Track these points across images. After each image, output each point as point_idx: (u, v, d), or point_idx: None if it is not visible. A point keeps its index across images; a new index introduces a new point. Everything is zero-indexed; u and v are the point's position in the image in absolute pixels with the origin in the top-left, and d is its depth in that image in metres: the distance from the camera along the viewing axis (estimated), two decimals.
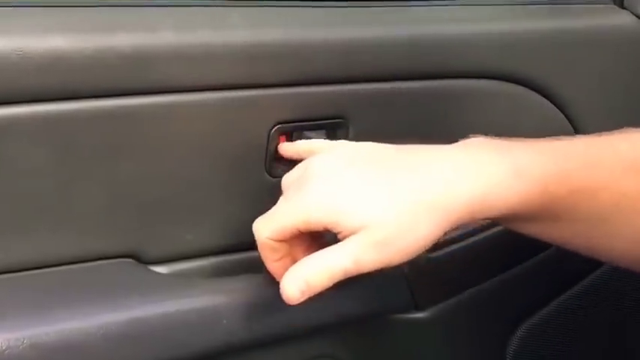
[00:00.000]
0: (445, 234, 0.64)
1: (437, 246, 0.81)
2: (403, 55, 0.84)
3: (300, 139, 0.80)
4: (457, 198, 0.64)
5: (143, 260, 0.77)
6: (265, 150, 0.79)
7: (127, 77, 0.71)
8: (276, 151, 0.79)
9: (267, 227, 0.67)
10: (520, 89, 0.92)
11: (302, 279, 0.63)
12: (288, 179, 0.71)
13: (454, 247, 0.83)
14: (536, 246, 0.89)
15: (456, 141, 0.69)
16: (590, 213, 0.66)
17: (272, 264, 0.68)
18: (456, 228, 0.65)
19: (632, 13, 0.98)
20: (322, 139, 0.80)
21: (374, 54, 0.83)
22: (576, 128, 0.95)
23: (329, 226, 0.64)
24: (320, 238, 0.68)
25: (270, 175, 0.80)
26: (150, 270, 0.77)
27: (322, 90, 0.80)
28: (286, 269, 0.64)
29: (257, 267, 0.81)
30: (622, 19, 0.98)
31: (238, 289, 0.76)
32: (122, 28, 0.71)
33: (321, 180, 0.66)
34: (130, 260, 0.77)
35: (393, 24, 0.86)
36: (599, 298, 0.95)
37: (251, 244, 0.81)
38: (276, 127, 0.78)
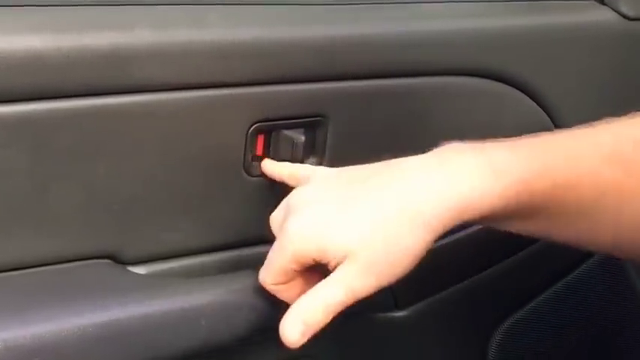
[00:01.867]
0: (434, 243, 0.64)
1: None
2: (383, 53, 0.84)
3: (279, 138, 0.80)
4: (438, 205, 0.63)
5: (121, 261, 0.77)
6: (244, 149, 0.78)
7: (103, 76, 0.70)
8: (254, 150, 0.79)
9: (268, 275, 0.67)
10: (500, 86, 0.92)
11: (300, 321, 0.63)
12: (274, 220, 0.70)
13: (435, 245, 0.83)
14: (516, 244, 0.89)
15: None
16: (573, 206, 0.66)
17: (291, 298, 0.67)
18: (442, 236, 0.65)
19: (613, 9, 0.98)
20: (304, 165, 0.79)
21: (353, 52, 0.82)
22: (557, 125, 0.95)
23: (317, 258, 0.63)
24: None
25: (249, 175, 0.80)
26: (128, 271, 0.77)
27: (301, 88, 0.80)
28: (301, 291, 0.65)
29: (236, 266, 0.81)
30: (602, 15, 0.98)
31: (217, 289, 0.75)
32: (98, 26, 0.71)
33: (301, 213, 0.65)
34: (108, 261, 0.76)
35: (372, 21, 0.86)
36: (581, 295, 0.96)
37: (230, 244, 0.81)
38: (254, 126, 0.78)
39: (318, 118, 0.81)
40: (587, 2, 0.99)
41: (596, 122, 0.68)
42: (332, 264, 0.63)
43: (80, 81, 0.69)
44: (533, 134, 0.69)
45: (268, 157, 0.80)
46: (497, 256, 0.89)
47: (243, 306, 0.74)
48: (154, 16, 0.75)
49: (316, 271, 0.66)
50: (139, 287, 0.74)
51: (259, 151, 0.80)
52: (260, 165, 0.80)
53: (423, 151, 0.68)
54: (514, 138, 0.68)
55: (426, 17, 0.90)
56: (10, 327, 0.66)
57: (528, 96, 0.94)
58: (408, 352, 0.90)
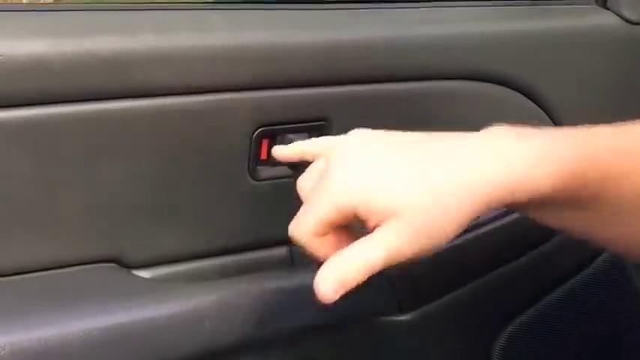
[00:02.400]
0: (474, 220, 0.63)
1: None
2: (384, 58, 0.84)
3: (284, 142, 0.79)
4: (489, 182, 0.60)
5: (126, 264, 0.77)
6: (248, 153, 0.79)
7: (107, 81, 0.70)
8: (259, 154, 0.79)
9: (304, 225, 0.63)
10: (503, 90, 0.92)
11: (335, 277, 0.60)
12: (304, 183, 0.67)
13: (439, 249, 0.83)
14: (520, 248, 0.89)
15: None
16: (616, 201, 0.65)
17: (325, 254, 0.63)
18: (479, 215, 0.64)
19: (615, 13, 0.98)
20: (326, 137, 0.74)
21: (355, 56, 0.82)
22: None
23: (360, 212, 0.61)
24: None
25: (253, 179, 0.80)
26: (132, 274, 0.77)
27: (304, 92, 0.80)
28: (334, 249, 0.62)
29: (240, 270, 0.81)
30: (605, 19, 0.98)
31: (221, 293, 0.75)
32: (102, 31, 0.71)
33: (348, 164, 0.63)
34: (113, 265, 0.76)
35: (373, 26, 0.86)
36: (584, 298, 0.96)
37: (234, 248, 0.81)
38: (258, 130, 0.78)
39: (321, 122, 0.81)
40: (589, 6, 1.00)
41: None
42: (372, 222, 0.60)
43: (85, 85, 0.70)
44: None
45: (273, 161, 0.79)
46: (501, 259, 0.89)
47: (247, 309, 0.74)
48: (157, 21, 0.75)
49: (347, 231, 0.64)
50: (143, 291, 0.74)
51: (264, 155, 0.80)
52: (267, 167, 0.79)
53: None
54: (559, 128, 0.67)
55: (427, 22, 0.91)
56: (16, 330, 0.66)
57: (530, 99, 0.94)
58: (410, 356, 0.90)
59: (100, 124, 0.71)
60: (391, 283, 0.82)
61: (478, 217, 0.60)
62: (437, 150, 0.63)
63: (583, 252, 0.97)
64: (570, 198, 0.63)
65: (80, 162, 0.72)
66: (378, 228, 0.60)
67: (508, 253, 0.89)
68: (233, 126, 0.77)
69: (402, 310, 0.85)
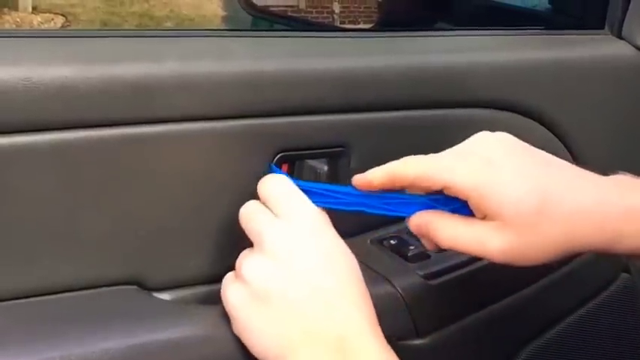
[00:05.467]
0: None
1: (436, 274, 0.82)
2: (403, 85, 0.85)
3: (302, 167, 0.81)
4: (599, 224, 0.66)
5: (147, 287, 0.78)
6: None
7: (131, 106, 0.72)
8: None
9: (417, 167, 0.69)
10: (518, 118, 0.93)
11: (427, 224, 0.67)
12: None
13: (455, 273, 0.83)
14: (537, 272, 0.89)
15: None
16: None
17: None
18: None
19: (630, 43, 0.99)
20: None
21: (374, 84, 0.84)
22: (575, 157, 0.96)
23: (472, 200, 0.66)
24: None
25: None
26: (153, 297, 0.78)
27: (324, 119, 0.81)
28: None
29: None
30: (619, 49, 0.99)
31: None
32: (127, 57, 0.73)
33: (484, 157, 0.68)
34: (134, 287, 0.77)
35: (392, 54, 0.87)
36: (601, 324, 0.96)
37: None
38: (279, 156, 0.79)
39: (340, 149, 0.82)
40: (604, 36, 1.01)
41: None
42: (479, 214, 0.66)
43: (109, 111, 0.71)
44: None
45: None
46: (517, 284, 0.90)
47: None
48: (181, 48, 0.76)
49: None
50: (164, 313, 0.75)
51: None
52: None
53: None
54: None
55: (443, 50, 0.92)
56: (39, 352, 0.67)
57: (546, 127, 0.94)
58: None
59: (124, 148, 0.73)
60: (408, 307, 0.82)
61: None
62: (566, 174, 0.70)
63: (599, 277, 0.98)
64: None
65: (104, 185, 0.73)
66: (490, 221, 0.66)
67: (524, 277, 0.90)
68: (254, 151, 0.78)
69: (418, 334, 0.85)
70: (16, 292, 0.72)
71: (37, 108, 0.68)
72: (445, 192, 0.69)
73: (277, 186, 0.72)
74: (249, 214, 0.71)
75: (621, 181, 0.69)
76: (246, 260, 0.68)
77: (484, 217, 0.67)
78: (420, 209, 0.71)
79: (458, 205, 0.70)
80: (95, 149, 0.71)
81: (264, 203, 0.72)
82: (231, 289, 0.68)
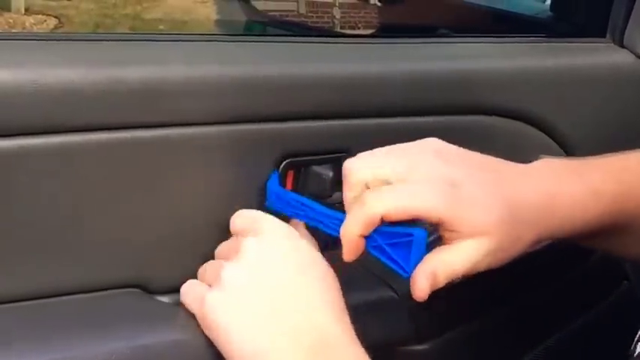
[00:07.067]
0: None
1: None
2: (405, 91, 0.86)
3: (308, 174, 0.81)
4: (552, 214, 0.68)
5: (149, 290, 0.78)
6: None
7: (137, 110, 0.72)
8: (284, 185, 0.81)
9: (383, 203, 0.67)
10: (520, 125, 0.93)
11: (432, 273, 0.66)
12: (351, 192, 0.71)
13: (456, 279, 0.83)
14: (540, 277, 0.90)
15: None
16: None
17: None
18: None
19: (632, 51, 0.99)
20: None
21: (377, 89, 0.84)
22: None
23: (446, 222, 0.65)
24: None
25: None
26: (156, 300, 0.78)
27: (327, 124, 0.82)
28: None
29: None
30: (621, 57, 1.00)
31: None
32: (132, 61, 0.73)
33: (440, 179, 0.68)
34: (137, 290, 0.77)
35: (395, 60, 0.87)
36: (608, 325, 0.96)
37: None
38: (285, 162, 0.80)
39: (342, 154, 0.82)
40: (606, 44, 1.01)
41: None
42: (457, 234, 0.66)
43: (115, 114, 0.71)
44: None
45: (297, 192, 0.81)
46: (519, 290, 0.90)
47: None
48: (186, 52, 0.76)
49: None
50: (167, 316, 0.75)
51: (289, 186, 0.81)
52: None
53: None
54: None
55: (446, 57, 0.92)
56: (44, 353, 0.67)
57: (547, 134, 0.95)
58: None
59: (129, 152, 0.73)
60: (409, 313, 0.82)
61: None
62: (514, 176, 0.71)
63: (607, 278, 0.98)
64: (615, 228, 0.71)
65: (108, 189, 0.73)
66: (464, 242, 0.66)
67: (529, 281, 0.90)
68: (257, 156, 0.79)
69: (420, 340, 0.85)
70: (21, 295, 0.72)
71: (43, 111, 0.69)
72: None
73: (245, 213, 0.75)
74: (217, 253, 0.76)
75: (552, 168, 0.71)
76: (225, 268, 0.69)
77: (457, 237, 0.67)
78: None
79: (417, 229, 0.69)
80: (99, 153, 0.72)
81: (239, 233, 0.74)
82: (210, 295, 0.69)
